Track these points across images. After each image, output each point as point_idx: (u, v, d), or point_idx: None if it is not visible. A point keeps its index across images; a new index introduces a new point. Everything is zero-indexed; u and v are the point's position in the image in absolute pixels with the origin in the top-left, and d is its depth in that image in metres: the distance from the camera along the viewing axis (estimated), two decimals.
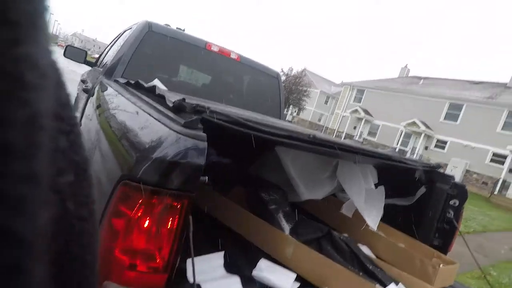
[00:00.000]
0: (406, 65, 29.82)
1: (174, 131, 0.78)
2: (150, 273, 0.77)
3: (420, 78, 27.40)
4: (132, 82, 1.62)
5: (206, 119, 0.85)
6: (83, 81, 3.33)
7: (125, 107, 1.20)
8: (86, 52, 3.68)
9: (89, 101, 2.19)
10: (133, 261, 0.76)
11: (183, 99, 0.90)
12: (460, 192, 1.73)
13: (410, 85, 25.40)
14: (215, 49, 2.79)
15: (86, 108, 2.13)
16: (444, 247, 1.78)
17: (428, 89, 23.84)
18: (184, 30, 2.91)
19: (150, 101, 1.13)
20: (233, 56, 2.90)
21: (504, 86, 22.02)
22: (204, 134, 0.78)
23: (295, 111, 33.50)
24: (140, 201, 0.75)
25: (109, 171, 0.90)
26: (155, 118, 0.92)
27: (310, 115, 35.93)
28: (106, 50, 3.52)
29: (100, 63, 3.29)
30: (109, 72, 2.32)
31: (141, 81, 1.40)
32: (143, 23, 2.50)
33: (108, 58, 2.80)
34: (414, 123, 21.67)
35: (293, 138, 1.06)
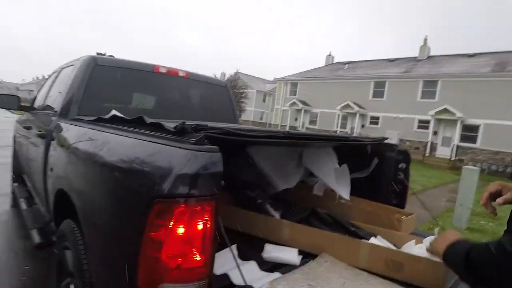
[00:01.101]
0: (330, 52, 32.04)
1: (189, 149, 0.94)
2: (194, 270, 0.93)
3: (344, 63, 29.79)
4: (107, 117, 1.69)
5: (208, 135, 1.03)
6: (26, 128, 3.17)
7: (118, 141, 1.30)
8: (18, 98, 3.48)
9: (51, 145, 2.15)
10: (179, 263, 0.91)
11: (183, 123, 1.06)
12: (405, 156, 2.12)
13: (337, 71, 27.51)
14: (163, 70, 2.89)
15: (51, 152, 2.10)
16: (401, 204, 2.16)
17: (353, 72, 26.11)
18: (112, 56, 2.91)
19: (143, 131, 1.25)
20: (181, 74, 3.02)
21: (415, 60, 25.07)
22: (216, 147, 0.95)
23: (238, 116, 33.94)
24: (174, 212, 0.90)
25: (135, 197, 1.02)
26: (161, 144, 1.06)
27: (251, 115, 36.73)
28: (44, 91, 3.37)
29: (43, 106, 3.15)
30: (64, 113, 2.29)
31: (115, 112, 1.49)
32: (87, 58, 2.49)
33: (54, 99, 2.72)
34: (348, 105, 23.55)
35: (277, 137, 1.29)
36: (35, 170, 2.61)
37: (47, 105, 2.94)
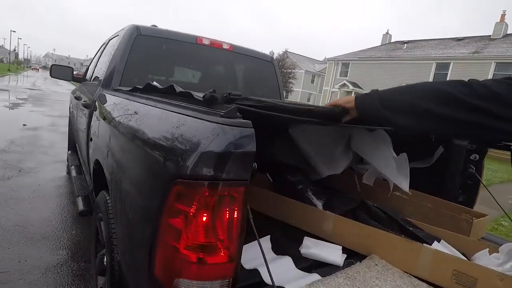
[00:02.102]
0: (388, 31, 29.71)
1: (217, 123, 0.78)
2: (217, 265, 0.78)
3: (403, 42, 27.43)
4: (141, 87, 1.60)
5: (240, 107, 0.85)
6: (77, 98, 3.28)
7: (147, 112, 1.19)
8: (72, 69, 3.62)
9: (93, 115, 2.16)
10: (199, 256, 0.77)
11: (214, 91, 0.89)
12: (479, 146, 1.76)
13: (394, 51, 25.45)
14: (206, 42, 2.75)
15: (93, 123, 2.11)
16: (470, 202, 1.81)
17: (412, 52, 23.93)
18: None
19: (172, 101, 1.12)
20: (225, 46, 2.87)
21: (488, 38, 22.16)
22: (249, 121, 0.78)
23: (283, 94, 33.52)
24: (196, 197, 0.75)
25: (155, 175, 0.90)
26: (188, 115, 0.92)
27: (298, 96, 35.93)
28: (94, 62, 3.45)
29: (91, 77, 3.24)
30: (107, 83, 2.28)
31: (155, 83, 1.38)
32: (131, 28, 2.44)
33: (100, 70, 2.75)
34: None
35: (326, 116, 1.07)
36: (81, 140, 2.69)
37: (95, 76, 2.99)
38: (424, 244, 1.17)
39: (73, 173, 2.96)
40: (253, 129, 0.76)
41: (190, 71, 2.90)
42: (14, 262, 2.06)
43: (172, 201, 0.78)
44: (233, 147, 0.74)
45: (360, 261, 1.17)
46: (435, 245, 1.25)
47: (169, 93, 1.24)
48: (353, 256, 1.23)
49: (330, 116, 1.14)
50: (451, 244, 1.34)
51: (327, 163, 1.98)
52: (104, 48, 3.12)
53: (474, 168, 1.76)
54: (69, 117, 4.28)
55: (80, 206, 2.23)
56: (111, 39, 2.94)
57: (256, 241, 1.18)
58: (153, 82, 2.30)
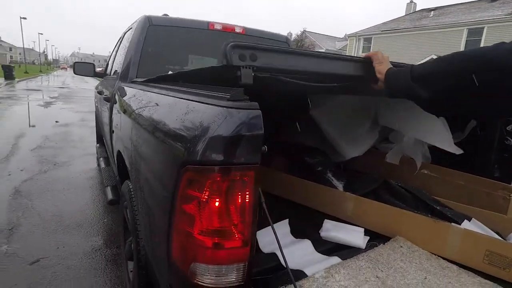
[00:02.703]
0: None
1: (223, 106, 0.76)
2: (232, 249, 0.78)
3: (429, 10, 25.68)
4: (154, 78, 1.60)
5: (247, 89, 0.82)
6: (99, 93, 3.38)
7: (159, 101, 1.19)
8: (93, 65, 3.70)
9: (113, 108, 2.21)
10: (214, 241, 0.77)
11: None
12: None
13: (420, 20, 23.92)
14: (218, 27, 2.71)
15: (113, 115, 2.16)
16: (507, 178, 1.69)
17: (440, 20, 22.36)
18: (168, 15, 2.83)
19: (183, 89, 1.11)
20: (238, 30, 2.82)
21: None
22: (256, 103, 0.75)
23: None
24: (207, 182, 0.74)
25: (167, 163, 0.90)
26: (196, 101, 0.90)
27: None
28: (112, 56, 3.52)
29: (111, 71, 3.31)
30: (124, 76, 2.32)
31: (168, 74, 1.38)
32: (142, 19, 2.45)
33: (118, 64, 2.80)
34: None
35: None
36: (105, 132, 2.78)
37: (114, 70, 3.05)
38: (453, 224, 1.11)
39: (102, 164, 3.08)
40: (260, 110, 0.73)
41: (203, 58, 2.88)
42: (53, 249, 2.21)
43: (184, 187, 0.77)
44: (241, 131, 0.72)
45: (384, 243, 1.12)
46: (465, 224, 1.18)
47: (181, 80, 1.23)
48: (376, 238, 1.18)
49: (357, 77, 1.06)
50: (485, 223, 1.25)
51: (351, 144, 1.91)
52: (121, 42, 3.17)
53: (511, 140, 1.63)
54: (95, 111, 4.44)
55: (109, 195, 2.32)
56: (126, 32, 2.97)
57: (274, 225, 1.17)
58: (168, 72, 2.31)
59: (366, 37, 26.22)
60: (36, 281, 1.87)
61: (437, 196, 1.49)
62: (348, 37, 28.20)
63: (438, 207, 1.29)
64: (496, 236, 1.15)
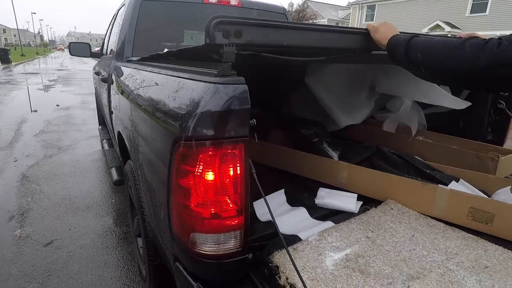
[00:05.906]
0: None
1: (210, 82, 0.78)
2: (227, 218, 0.83)
3: None
4: (148, 56, 1.60)
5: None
6: (97, 73, 3.37)
7: (152, 79, 1.21)
8: (89, 45, 3.66)
9: (111, 89, 2.22)
10: (210, 211, 0.82)
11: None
12: None
13: None
14: (213, 0, 2.65)
15: (111, 96, 2.18)
16: (499, 140, 1.72)
17: None
18: None
19: (174, 67, 1.12)
20: (233, 2, 2.76)
21: None
22: (242, 77, 0.77)
23: None
24: (199, 156, 0.78)
25: (162, 140, 0.94)
26: (185, 78, 0.92)
27: None
28: (108, 35, 3.47)
29: (107, 50, 3.28)
30: (119, 55, 2.31)
31: (160, 53, 1.38)
32: None
33: (113, 42, 2.77)
34: (437, 26, 19.85)
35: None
36: (106, 114, 2.81)
37: (110, 49, 3.02)
38: (440, 185, 1.15)
39: (105, 146, 3.13)
40: (246, 85, 0.76)
41: (198, 34, 2.84)
42: (65, 230, 2.31)
43: (179, 162, 0.81)
44: (229, 106, 0.74)
45: (375, 207, 1.18)
46: (453, 185, 1.22)
47: (173, 57, 1.24)
48: (369, 203, 1.24)
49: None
50: (473, 184, 1.30)
51: (347, 112, 1.93)
52: (115, 19, 3.11)
53: (504, 103, 1.64)
54: (95, 93, 4.44)
55: (114, 176, 2.39)
56: (120, 9, 2.91)
57: (271, 194, 1.23)
58: (164, 49, 2.29)
59: (369, 4, 25.22)
60: (52, 261, 1.97)
61: (430, 160, 1.53)
62: (351, 5, 27.16)
63: (428, 171, 1.33)
64: (481, 194, 1.19)
